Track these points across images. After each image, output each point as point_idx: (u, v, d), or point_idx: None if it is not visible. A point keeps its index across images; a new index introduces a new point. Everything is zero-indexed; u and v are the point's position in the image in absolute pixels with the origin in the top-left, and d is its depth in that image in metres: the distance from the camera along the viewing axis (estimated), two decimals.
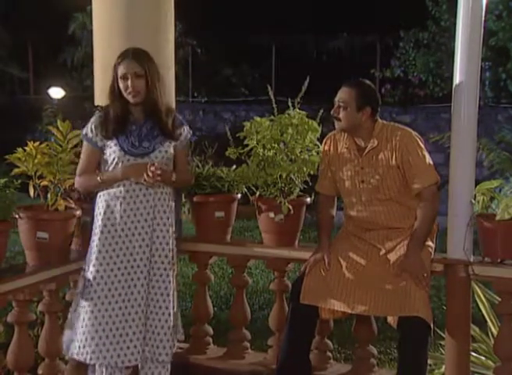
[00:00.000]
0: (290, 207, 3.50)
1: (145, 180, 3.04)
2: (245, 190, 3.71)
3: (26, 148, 3.22)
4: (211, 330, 3.89)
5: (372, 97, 3.22)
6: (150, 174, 3.01)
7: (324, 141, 3.41)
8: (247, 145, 3.61)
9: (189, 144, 3.32)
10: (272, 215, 3.58)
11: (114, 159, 3.11)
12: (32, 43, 16.90)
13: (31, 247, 3.20)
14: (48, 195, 3.24)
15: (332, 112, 3.21)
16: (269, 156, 3.55)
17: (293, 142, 3.54)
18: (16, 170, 3.22)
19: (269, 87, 3.79)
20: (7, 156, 3.22)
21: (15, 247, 5.09)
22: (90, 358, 3.09)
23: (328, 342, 3.65)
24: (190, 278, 6.05)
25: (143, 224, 3.13)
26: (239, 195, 3.75)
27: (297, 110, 3.57)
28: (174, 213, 3.25)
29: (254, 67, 16.15)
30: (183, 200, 3.68)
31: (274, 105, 3.60)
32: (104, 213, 3.12)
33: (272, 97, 3.64)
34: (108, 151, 3.12)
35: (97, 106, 3.47)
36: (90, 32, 3.81)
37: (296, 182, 3.57)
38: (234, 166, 3.73)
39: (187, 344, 3.88)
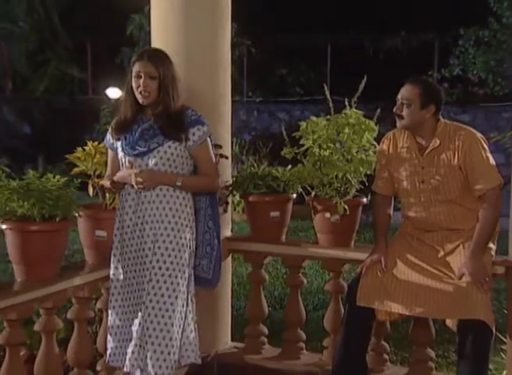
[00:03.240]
0: (346, 207, 3.47)
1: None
2: (300, 190, 3.70)
3: (85, 147, 3.28)
4: (266, 330, 3.89)
5: (436, 95, 3.16)
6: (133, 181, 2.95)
7: (382, 140, 3.35)
8: (302, 145, 3.59)
9: (207, 146, 3.09)
10: (327, 215, 3.55)
11: (120, 160, 3.09)
12: (91, 44, 17.23)
13: (90, 245, 3.26)
14: (107, 194, 3.29)
15: (394, 110, 3.16)
16: (325, 156, 3.53)
17: (350, 142, 3.51)
18: (75, 170, 3.29)
19: (325, 87, 3.76)
20: (67, 156, 3.28)
21: (73, 245, 5.19)
22: (110, 358, 3.14)
23: (385, 344, 3.60)
24: (243, 278, 6.08)
25: (133, 229, 3.05)
26: (294, 195, 3.74)
27: (354, 109, 3.54)
28: (188, 216, 3.06)
29: (309, 66, 16.08)
30: (238, 199, 3.68)
31: (330, 105, 3.58)
32: (116, 216, 3.13)
33: (328, 96, 3.61)
34: (118, 152, 3.11)
35: None
36: (147, 33, 3.85)
37: (353, 182, 3.54)
38: (289, 166, 3.72)
39: (243, 343, 3.90)
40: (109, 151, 3.17)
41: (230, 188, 3.77)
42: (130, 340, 3.05)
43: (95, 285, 3.19)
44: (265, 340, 3.89)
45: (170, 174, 3.02)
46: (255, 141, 10.99)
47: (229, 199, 3.81)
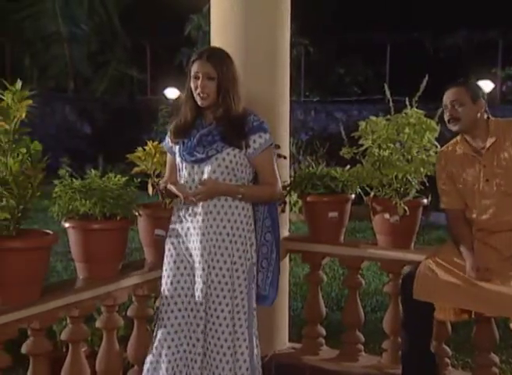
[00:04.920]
0: (406, 208, 3.42)
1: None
2: (359, 190, 3.66)
3: (145, 147, 3.32)
4: (323, 331, 3.86)
5: (480, 89, 3.17)
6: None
7: (437, 156, 3.31)
8: (361, 145, 3.55)
9: (269, 154, 2.90)
10: (387, 216, 3.51)
11: (178, 166, 2.97)
12: (150, 45, 17.49)
13: (149, 244, 3.30)
14: None
15: (448, 116, 3.10)
16: (385, 156, 3.49)
17: (410, 142, 3.46)
18: (136, 169, 3.32)
19: (385, 86, 3.71)
20: (128, 155, 3.33)
21: (131, 243, 5.26)
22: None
23: (446, 348, 3.53)
24: (300, 278, 6.06)
25: (189, 239, 2.91)
26: (353, 196, 3.70)
27: (415, 109, 3.49)
28: (247, 227, 2.89)
29: (367, 66, 15.95)
30: (295, 200, 3.66)
31: (390, 104, 3.54)
32: (170, 224, 3.01)
33: (389, 96, 3.57)
34: (176, 157, 2.98)
35: None
36: (206, 33, 3.88)
37: (413, 183, 3.48)
38: (348, 166, 3.68)
39: (300, 344, 3.88)
40: (168, 155, 3.07)
41: (288, 188, 3.76)
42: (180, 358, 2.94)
43: (154, 283, 3.21)
44: (323, 341, 3.86)
45: (231, 185, 2.85)
46: (312, 141, 10.95)
47: (287, 199, 3.80)
